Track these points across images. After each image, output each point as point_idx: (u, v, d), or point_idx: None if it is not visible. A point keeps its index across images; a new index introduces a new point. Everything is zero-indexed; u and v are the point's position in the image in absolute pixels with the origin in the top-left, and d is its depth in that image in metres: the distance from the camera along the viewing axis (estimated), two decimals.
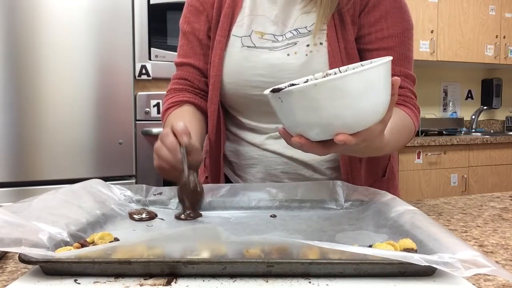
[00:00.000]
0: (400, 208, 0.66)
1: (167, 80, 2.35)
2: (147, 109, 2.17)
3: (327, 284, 0.47)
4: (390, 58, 0.58)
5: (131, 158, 2.13)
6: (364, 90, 0.54)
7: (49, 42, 1.96)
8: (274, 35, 0.90)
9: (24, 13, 1.92)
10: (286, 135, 0.62)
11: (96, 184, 0.77)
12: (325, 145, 0.60)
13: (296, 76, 0.86)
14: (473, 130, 3.82)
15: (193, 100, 0.97)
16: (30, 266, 0.52)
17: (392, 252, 0.48)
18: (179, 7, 2.20)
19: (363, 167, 0.93)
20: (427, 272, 0.48)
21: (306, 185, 0.80)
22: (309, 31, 0.88)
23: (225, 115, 0.97)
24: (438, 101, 3.86)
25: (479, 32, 3.50)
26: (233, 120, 0.97)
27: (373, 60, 0.64)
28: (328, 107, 0.54)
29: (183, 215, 0.72)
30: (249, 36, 0.90)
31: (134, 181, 2.14)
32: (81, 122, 2.01)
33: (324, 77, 0.68)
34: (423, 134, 3.41)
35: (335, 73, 0.67)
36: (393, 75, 0.87)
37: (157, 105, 2.19)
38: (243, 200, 0.78)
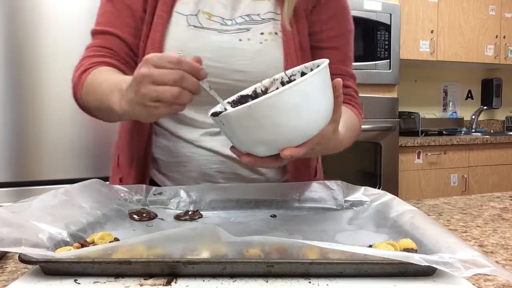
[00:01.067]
0: (400, 208, 0.66)
1: None
2: None
3: (327, 284, 0.47)
4: (326, 63, 0.57)
5: None
6: (301, 103, 0.54)
7: (49, 42, 1.96)
8: (222, 18, 0.85)
9: (24, 13, 1.92)
10: (237, 153, 0.61)
11: (96, 184, 0.77)
12: (276, 158, 0.59)
13: (248, 64, 0.83)
14: (473, 130, 3.82)
15: (116, 64, 0.82)
16: (30, 266, 0.51)
17: (392, 252, 0.48)
18: None
19: (295, 167, 0.90)
20: (427, 272, 0.48)
21: (306, 185, 0.80)
22: (263, 19, 0.85)
23: None
24: (438, 101, 3.86)
25: (479, 32, 3.50)
26: None
27: (307, 64, 0.64)
28: (267, 126, 0.54)
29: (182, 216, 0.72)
30: (196, 15, 0.84)
31: None
32: (81, 122, 2.01)
33: (272, 83, 0.68)
34: (423, 134, 3.40)
35: (282, 78, 0.68)
36: (340, 75, 0.87)
37: None
38: (243, 200, 0.78)
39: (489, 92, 3.89)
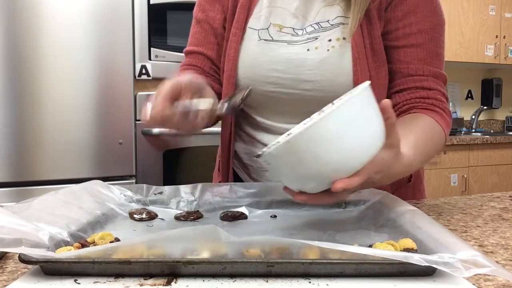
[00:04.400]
0: (400, 208, 0.66)
1: None
2: None
3: (327, 284, 0.46)
4: (365, 85, 0.54)
5: (131, 158, 2.13)
6: (340, 132, 0.51)
7: (49, 42, 1.96)
8: (293, 28, 0.85)
9: (24, 13, 1.92)
10: (290, 192, 0.60)
11: (96, 185, 0.77)
12: (331, 193, 0.56)
13: (315, 73, 0.82)
14: (473, 130, 3.82)
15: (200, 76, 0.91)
16: (30, 266, 0.51)
17: (392, 252, 0.48)
18: (179, 7, 2.21)
19: None
20: (427, 272, 0.48)
21: None
22: (332, 25, 0.83)
23: (239, 115, 0.92)
24: None
25: (479, 32, 3.50)
26: (248, 119, 0.92)
27: (352, 91, 0.60)
28: (310, 159, 0.52)
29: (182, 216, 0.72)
30: (267, 29, 0.86)
31: (134, 181, 2.14)
32: (81, 122, 2.01)
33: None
34: None
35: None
36: (422, 75, 0.84)
37: None
38: (243, 200, 0.78)
39: (489, 92, 3.89)
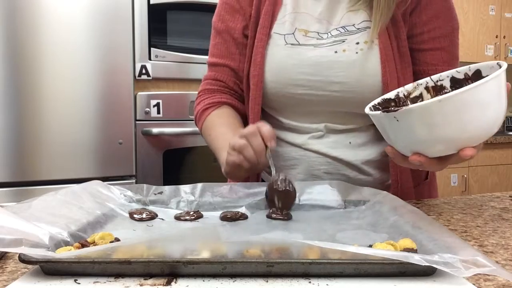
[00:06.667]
0: (400, 208, 0.66)
1: (167, 80, 2.35)
2: (147, 109, 2.17)
3: (327, 284, 0.47)
4: (505, 63, 0.56)
5: (131, 158, 2.13)
6: (491, 100, 0.53)
7: (49, 42, 1.96)
8: (318, 32, 0.88)
9: (24, 13, 1.92)
10: (396, 154, 0.61)
11: (96, 185, 0.77)
12: (442, 160, 0.58)
13: (344, 75, 0.84)
14: None
15: (230, 101, 0.95)
16: (30, 266, 0.51)
17: (392, 252, 0.48)
18: (179, 7, 2.21)
19: (409, 169, 0.89)
20: (427, 272, 0.48)
21: (306, 185, 0.80)
22: (358, 28, 0.86)
23: (262, 115, 0.94)
24: None
25: (479, 32, 3.50)
26: (271, 120, 0.93)
27: (460, 69, 0.62)
28: (454, 122, 0.53)
29: (182, 216, 0.72)
30: (293, 33, 0.88)
31: (134, 181, 2.14)
32: (81, 122, 2.01)
33: (416, 87, 0.66)
34: None
35: (427, 83, 0.66)
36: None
37: (157, 105, 2.19)
38: (243, 200, 0.78)
39: None
